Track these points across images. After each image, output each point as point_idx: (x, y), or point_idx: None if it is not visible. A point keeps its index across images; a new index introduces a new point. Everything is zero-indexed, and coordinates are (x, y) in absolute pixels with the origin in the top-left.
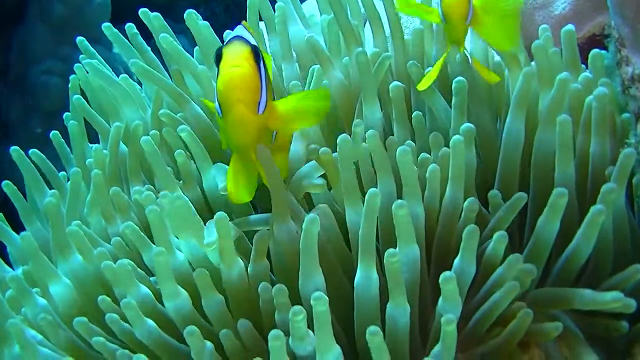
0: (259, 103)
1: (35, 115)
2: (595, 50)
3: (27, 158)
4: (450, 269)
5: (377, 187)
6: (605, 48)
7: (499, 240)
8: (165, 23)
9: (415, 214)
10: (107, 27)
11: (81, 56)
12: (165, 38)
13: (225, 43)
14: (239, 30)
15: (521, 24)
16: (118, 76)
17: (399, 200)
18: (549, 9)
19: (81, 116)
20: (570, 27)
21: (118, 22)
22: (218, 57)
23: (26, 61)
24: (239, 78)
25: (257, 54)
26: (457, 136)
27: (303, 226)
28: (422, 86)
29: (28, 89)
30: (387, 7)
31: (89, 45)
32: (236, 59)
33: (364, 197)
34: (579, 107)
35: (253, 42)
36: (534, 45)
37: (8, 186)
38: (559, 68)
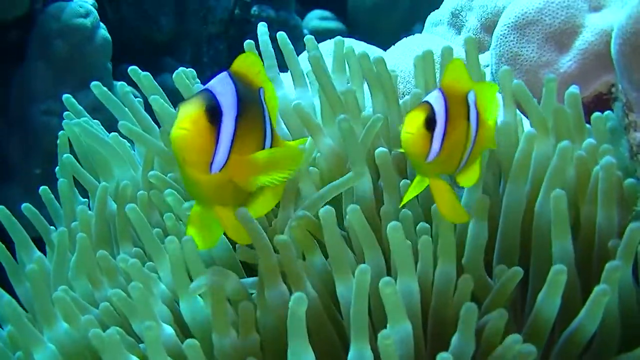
0: (212, 162)
1: (34, 156)
2: (596, 114)
3: (13, 218)
4: (447, 343)
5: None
6: (611, 108)
7: (498, 318)
8: (155, 83)
9: (410, 290)
10: (95, 86)
11: (66, 113)
12: (156, 100)
13: (187, 98)
14: (216, 80)
15: (527, 82)
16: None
17: (386, 278)
18: (554, 67)
19: (71, 174)
20: (574, 89)
21: (120, 62)
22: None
23: (26, 100)
24: (182, 140)
25: (213, 113)
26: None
27: (289, 305)
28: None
29: (28, 128)
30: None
31: (75, 102)
32: (183, 121)
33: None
34: (583, 175)
35: (228, 94)
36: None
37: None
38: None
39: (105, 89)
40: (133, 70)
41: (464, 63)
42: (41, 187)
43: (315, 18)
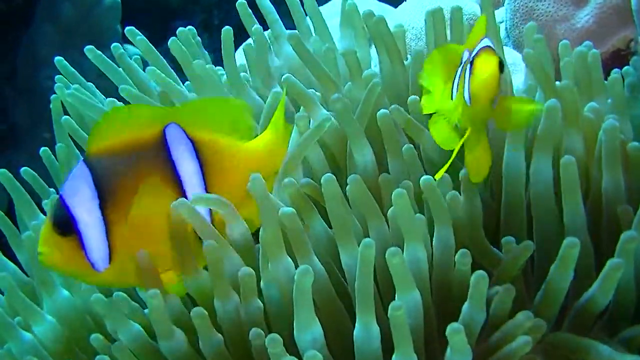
0: (92, 263)
1: (42, 120)
2: (615, 76)
3: (15, 181)
4: (453, 312)
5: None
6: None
7: (505, 293)
8: (151, 47)
9: (417, 258)
10: (89, 50)
11: (58, 77)
12: (152, 71)
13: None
14: (69, 179)
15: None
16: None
17: (393, 248)
18: (571, 22)
19: (68, 137)
20: (594, 51)
21: (129, 24)
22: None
23: (33, 64)
24: (46, 264)
25: (62, 223)
26: (425, 177)
27: (295, 277)
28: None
29: (35, 93)
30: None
31: (68, 64)
32: (39, 244)
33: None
34: (590, 138)
35: (82, 188)
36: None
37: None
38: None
39: (99, 52)
40: (130, 30)
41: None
42: (42, 149)
43: None
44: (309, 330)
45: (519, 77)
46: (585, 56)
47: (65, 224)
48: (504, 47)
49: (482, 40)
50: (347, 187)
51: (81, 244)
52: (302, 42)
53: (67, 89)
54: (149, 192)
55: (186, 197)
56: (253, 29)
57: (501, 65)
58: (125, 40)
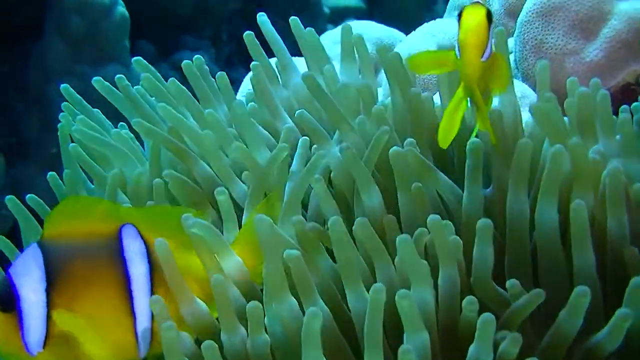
0: (26, 344)
1: (51, 133)
2: (624, 115)
3: (22, 206)
4: (458, 355)
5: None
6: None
7: (512, 342)
8: (156, 84)
9: (424, 300)
10: (97, 81)
11: (64, 104)
12: (163, 108)
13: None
14: (20, 258)
15: (551, 71)
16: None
17: (402, 291)
18: (580, 56)
19: (75, 164)
20: (603, 92)
21: (137, 38)
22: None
23: (43, 78)
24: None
25: (5, 300)
26: (433, 216)
27: (304, 320)
28: (443, 142)
29: (45, 106)
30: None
31: (74, 92)
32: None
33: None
34: (597, 180)
35: (31, 268)
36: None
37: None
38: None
39: (107, 83)
40: (137, 61)
41: None
42: (49, 174)
43: None
44: None
45: (526, 110)
46: (588, 97)
47: (8, 301)
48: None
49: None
50: (354, 229)
51: (20, 324)
52: (317, 82)
53: (73, 116)
54: (96, 288)
55: (132, 297)
56: (254, 64)
57: (489, 15)
58: (133, 53)
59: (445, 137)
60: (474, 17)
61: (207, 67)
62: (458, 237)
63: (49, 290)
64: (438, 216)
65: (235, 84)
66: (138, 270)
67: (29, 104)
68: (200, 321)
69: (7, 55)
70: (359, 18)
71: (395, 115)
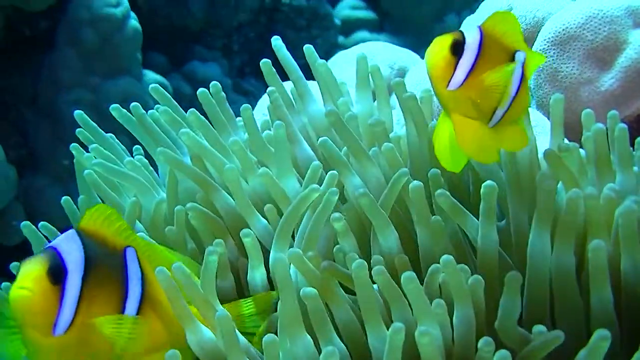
0: (55, 324)
1: (63, 146)
2: None
3: (38, 232)
4: None
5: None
6: None
7: None
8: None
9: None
10: (115, 109)
11: (78, 130)
12: (187, 134)
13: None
14: (63, 238)
15: (566, 100)
16: (146, 109)
17: (422, 327)
18: (595, 85)
19: (90, 190)
20: (622, 126)
21: (149, 51)
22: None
23: (55, 90)
24: (22, 301)
25: (56, 273)
26: (446, 257)
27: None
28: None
29: (56, 118)
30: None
31: (88, 119)
32: (23, 279)
33: None
34: (610, 217)
35: (74, 252)
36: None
37: (15, 267)
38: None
39: (124, 111)
40: (154, 88)
41: (517, 19)
42: (63, 198)
43: (347, 7)
44: None
45: (543, 138)
46: (604, 134)
47: (59, 275)
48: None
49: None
50: (374, 275)
51: (60, 301)
52: (340, 118)
53: (87, 142)
54: (105, 293)
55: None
56: (270, 90)
57: (455, 47)
58: (145, 64)
59: (444, 158)
60: (435, 49)
61: (224, 94)
62: (480, 277)
63: (82, 278)
64: (451, 256)
65: (248, 95)
66: (134, 292)
67: (40, 115)
68: (206, 348)
69: (19, 66)
70: (370, 30)
71: (410, 148)
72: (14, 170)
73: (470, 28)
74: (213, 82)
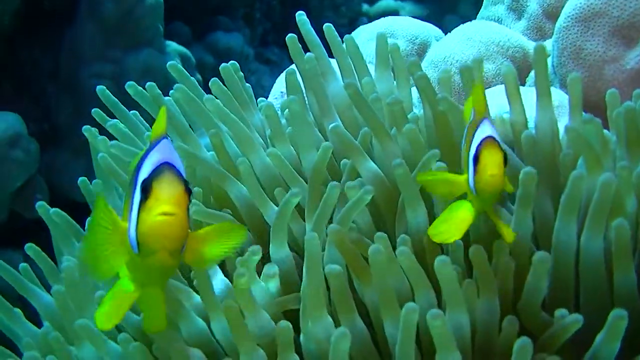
0: (182, 247)
1: (84, 118)
2: None
3: (51, 216)
4: None
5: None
6: None
7: None
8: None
9: (459, 324)
10: (130, 86)
11: (94, 110)
12: (211, 100)
13: (153, 170)
14: (167, 150)
15: (590, 79)
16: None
17: (434, 310)
18: (620, 63)
19: (106, 174)
20: None
21: (171, 19)
22: (145, 190)
23: (75, 63)
24: (171, 228)
25: (189, 193)
26: (474, 247)
27: (331, 340)
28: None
29: (77, 92)
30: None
31: (110, 94)
32: (169, 203)
33: None
34: None
35: (181, 168)
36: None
37: (31, 248)
38: None
39: (140, 89)
40: (172, 66)
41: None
42: (80, 179)
43: None
44: None
45: (564, 120)
46: (634, 112)
47: (190, 195)
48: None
49: (482, 122)
50: (399, 258)
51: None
52: (359, 91)
53: (103, 122)
54: None
55: None
56: (308, 56)
57: (506, 159)
58: (168, 35)
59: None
60: (493, 166)
61: (242, 73)
62: (509, 261)
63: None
64: (480, 246)
65: (270, 64)
66: None
67: (61, 89)
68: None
69: (40, 40)
70: None
71: (428, 130)
72: (36, 144)
73: (486, 128)
74: (231, 62)
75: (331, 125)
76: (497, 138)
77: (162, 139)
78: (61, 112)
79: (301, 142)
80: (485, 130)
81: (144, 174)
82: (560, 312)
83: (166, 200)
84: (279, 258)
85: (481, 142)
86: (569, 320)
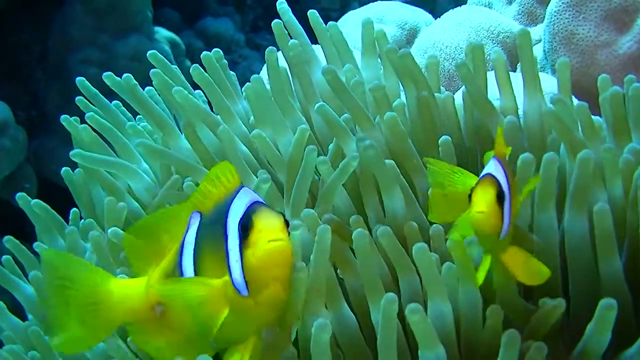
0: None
1: (73, 107)
2: None
3: (32, 207)
4: None
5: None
6: None
7: (536, 351)
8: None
9: (441, 313)
10: (108, 77)
11: (78, 98)
12: (179, 92)
13: (247, 209)
14: (247, 193)
15: (582, 64)
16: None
17: (412, 305)
18: (613, 48)
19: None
20: (636, 85)
21: (161, 5)
22: (245, 227)
23: (65, 48)
24: (282, 254)
25: (287, 223)
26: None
27: (313, 331)
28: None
29: (66, 76)
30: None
31: (90, 85)
32: (277, 231)
33: None
34: (627, 181)
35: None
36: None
37: (10, 241)
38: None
39: (117, 79)
40: (152, 55)
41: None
42: (63, 169)
43: None
44: None
45: None
46: (620, 97)
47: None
48: (540, 73)
49: (489, 162)
50: (379, 238)
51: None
52: (338, 77)
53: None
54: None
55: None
56: (292, 43)
57: (501, 197)
58: (157, 21)
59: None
60: (482, 204)
61: (225, 60)
62: None
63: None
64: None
65: (260, 50)
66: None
67: (50, 75)
68: None
69: (28, 23)
70: None
71: (412, 117)
72: (24, 132)
73: (490, 165)
74: (215, 49)
75: (316, 105)
76: (500, 176)
77: (240, 188)
78: (50, 98)
79: (272, 122)
80: (488, 168)
81: (233, 219)
82: (543, 300)
83: (272, 228)
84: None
85: (479, 179)
86: (551, 304)
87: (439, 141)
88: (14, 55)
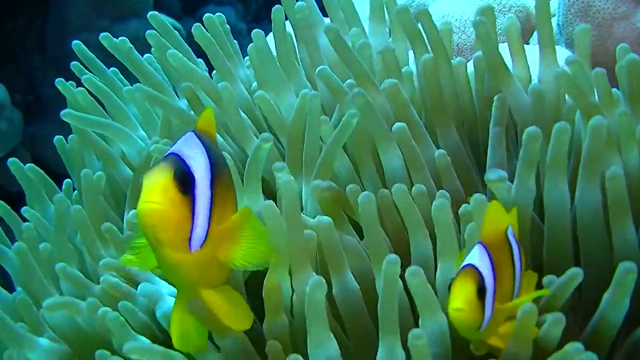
0: (190, 238)
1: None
2: None
3: (24, 172)
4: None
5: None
6: None
7: (554, 323)
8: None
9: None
10: (104, 38)
11: (73, 64)
12: (173, 55)
13: (157, 162)
14: (183, 142)
15: (599, 37)
16: None
17: (412, 267)
18: (631, 21)
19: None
20: None
21: None
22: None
23: (62, 33)
24: (151, 216)
25: (184, 180)
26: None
27: (307, 290)
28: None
29: (64, 61)
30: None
31: (87, 49)
32: (150, 193)
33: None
34: None
35: (198, 156)
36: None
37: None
38: None
39: (115, 40)
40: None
41: (501, 204)
42: (55, 137)
43: None
44: (323, 349)
45: None
46: (638, 65)
47: (188, 182)
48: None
49: (473, 249)
50: (395, 196)
51: (192, 212)
52: (341, 36)
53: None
54: (229, 197)
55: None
56: (299, 5)
57: (481, 292)
58: (158, 9)
59: None
60: (461, 298)
61: (228, 26)
62: None
63: (211, 184)
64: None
65: None
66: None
67: (47, 59)
68: None
69: (24, 7)
70: None
71: (421, 83)
72: (19, 114)
73: (474, 252)
74: (218, 13)
75: (318, 69)
76: (484, 266)
77: (186, 132)
78: (47, 84)
79: (275, 83)
80: (472, 257)
81: None
82: (548, 278)
83: (146, 189)
84: (255, 212)
85: (459, 270)
86: (568, 275)
87: (435, 156)
88: (11, 41)
